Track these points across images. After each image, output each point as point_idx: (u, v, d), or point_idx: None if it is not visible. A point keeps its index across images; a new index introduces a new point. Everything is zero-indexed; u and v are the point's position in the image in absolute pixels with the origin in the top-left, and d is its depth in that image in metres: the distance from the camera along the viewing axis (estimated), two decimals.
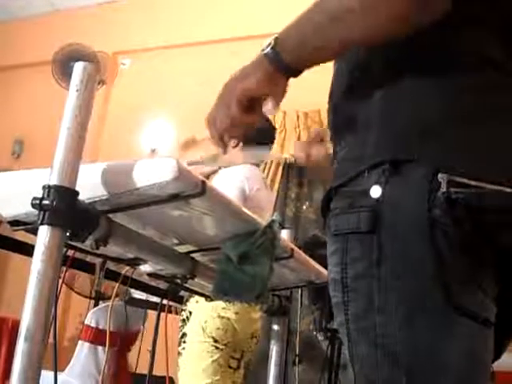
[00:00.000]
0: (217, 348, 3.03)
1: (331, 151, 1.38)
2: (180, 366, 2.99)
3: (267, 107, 1.17)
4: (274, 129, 3.40)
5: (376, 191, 1.04)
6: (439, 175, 1.00)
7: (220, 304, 3.01)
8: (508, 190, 1.01)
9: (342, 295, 1.08)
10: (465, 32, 1.08)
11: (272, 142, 3.40)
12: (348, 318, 1.08)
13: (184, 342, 2.90)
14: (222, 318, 3.06)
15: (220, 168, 3.22)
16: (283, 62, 1.10)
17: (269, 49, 1.11)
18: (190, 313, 3.09)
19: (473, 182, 1.00)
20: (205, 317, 3.06)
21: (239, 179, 3.05)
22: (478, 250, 1.03)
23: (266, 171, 5.46)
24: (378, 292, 1.03)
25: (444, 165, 1.01)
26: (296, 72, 1.13)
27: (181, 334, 3.02)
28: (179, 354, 2.99)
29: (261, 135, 2.85)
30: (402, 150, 1.05)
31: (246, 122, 1.18)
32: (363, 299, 1.05)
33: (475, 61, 1.07)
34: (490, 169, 1.03)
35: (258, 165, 3.40)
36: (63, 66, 6.12)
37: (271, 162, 5.50)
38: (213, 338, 3.02)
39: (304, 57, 1.11)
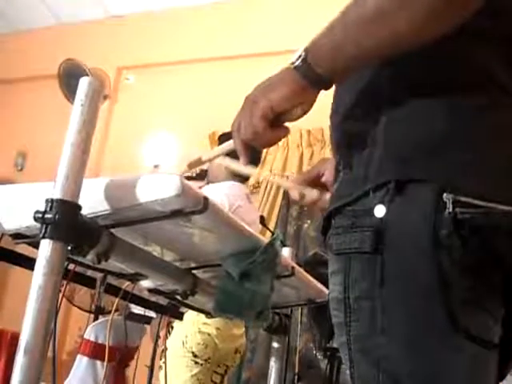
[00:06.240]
0: (196, 363, 3.04)
1: (325, 197, 1.38)
2: (160, 380, 3.00)
3: (293, 114, 1.14)
4: (259, 152, 3.44)
5: (380, 210, 1.02)
6: (445, 195, 0.98)
7: (201, 319, 3.02)
8: None
9: (344, 315, 1.07)
10: (473, 52, 1.07)
11: (256, 165, 3.47)
12: (350, 338, 1.06)
13: (165, 355, 2.91)
14: (203, 333, 3.07)
15: (207, 184, 3.24)
16: (316, 75, 1.07)
17: (299, 62, 1.07)
18: (172, 327, 3.10)
19: (479, 202, 0.98)
20: (185, 332, 3.07)
21: (219, 197, 3.05)
22: (484, 272, 1.01)
23: (267, 189, 5.47)
24: (381, 313, 1.02)
25: (450, 185, 0.99)
26: (329, 84, 1.10)
27: (162, 347, 3.03)
28: (160, 367, 3.00)
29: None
30: (407, 170, 1.03)
31: (269, 137, 1.15)
32: (366, 320, 1.04)
33: (483, 82, 1.06)
34: (496, 189, 1.01)
35: (243, 181, 3.41)
36: (63, 80, 6.14)
37: (273, 179, 5.50)
38: (192, 352, 3.04)
39: (339, 67, 1.07)
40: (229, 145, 1.27)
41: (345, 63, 1.07)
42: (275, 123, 1.13)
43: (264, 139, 1.15)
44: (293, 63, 1.08)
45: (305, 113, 1.14)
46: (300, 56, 1.08)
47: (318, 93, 1.12)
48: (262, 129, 1.12)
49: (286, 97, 1.10)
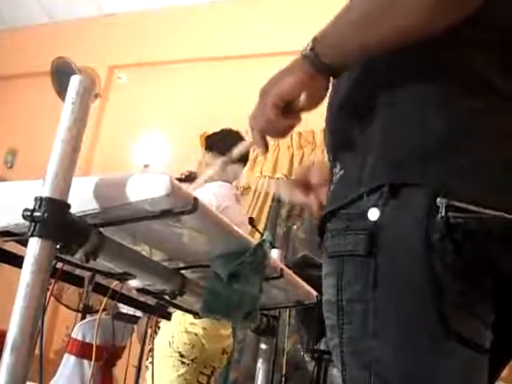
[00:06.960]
0: (183, 363, 3.04)
1: (315, 198, 1.39)
2: (147, 380, 3.00)
3: (300, 101, 1.16)
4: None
5: (374, 214, 1.03)
6: (438, 199, 0.99)
7: (187, 319, 3.03)
8: (508, 216, 1.00)
9: (336, 318, 1.07)
10: (468, 56, 1.07)
11: (244, 163, 3.53)
12: (342, 341, 1.07)
13: (151, 355, 2.91)
14: (190, 333, 3.07)
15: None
16: (323, 64, 1.09)
17: (308, 51, 1.10)
18: (159, 327, 3.10)
19: (472, 207, 0.99)
20: (172, 331, 3.07)
21: (207, 196, 3.06)
22: (476, 276, 1.02)
23: (257, 190, 5.47)
24: (373, 316, 1.02)
25: (443, 189, 0.99)
26: (337, 72, 1.13)
27: (149, 348, 3.03)
28: (146, 367, 3.00)
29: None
30: (401, 173, 1.04)
31: (282, 125, 1.17)
32: (358, 323, 1.04)
33: (478, 86, 1.07)
34: (489, 194, 1.02)
35: (231, 182, 3.43)
36: (55, 78, 6.12)
37: (263, 180, 5.51)
38: (179, 352, 3.04)
39: (343, 58, 1.10)
40: (249, 141, 1.32)
41: (350, 55, 1.10)
42: (287, 112, 1.15)
43: (277, 127, 1.17)
44: (303, 51, 1.11)
45: (318, 101, 1.16)
46: (308, 45, 1.10)
47: (328, 80, 1.14)
48: (274, 116, 1.14)
49: (295, 85, 1.12)
